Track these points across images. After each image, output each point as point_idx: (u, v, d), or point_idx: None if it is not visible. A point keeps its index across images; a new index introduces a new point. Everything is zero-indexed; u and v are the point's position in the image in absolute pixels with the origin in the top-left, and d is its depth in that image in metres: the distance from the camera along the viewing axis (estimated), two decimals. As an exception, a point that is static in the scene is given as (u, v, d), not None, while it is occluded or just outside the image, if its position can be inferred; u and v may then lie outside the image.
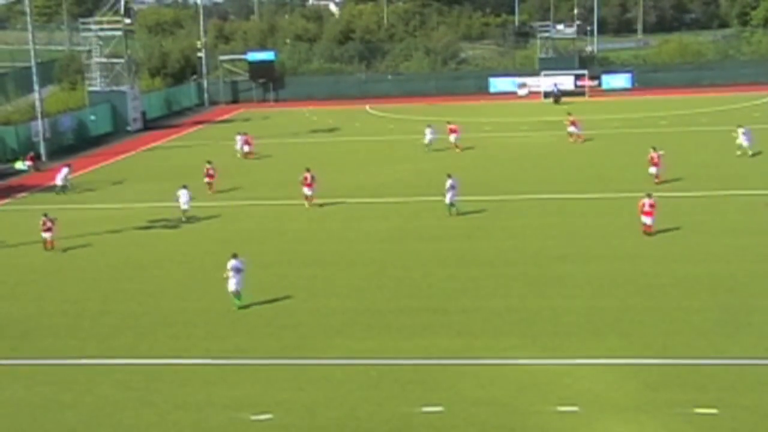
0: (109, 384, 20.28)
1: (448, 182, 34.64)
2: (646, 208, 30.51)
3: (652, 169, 38.53)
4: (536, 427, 17.37)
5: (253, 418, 18.23)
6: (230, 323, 23.93)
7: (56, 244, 32.65)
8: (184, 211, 36.18)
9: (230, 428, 17.89)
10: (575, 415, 17.75)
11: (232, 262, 24.93)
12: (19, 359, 22.19)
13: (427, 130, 50.37)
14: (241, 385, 19.94)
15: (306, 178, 37.44)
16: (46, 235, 32.50)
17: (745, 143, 44.32)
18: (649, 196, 31.02)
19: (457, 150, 49.56)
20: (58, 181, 43.30)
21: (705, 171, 41.01)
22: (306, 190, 37.42)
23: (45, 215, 32.88)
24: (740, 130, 44.80)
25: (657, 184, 37.19)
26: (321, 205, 37.40)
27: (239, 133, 52.97)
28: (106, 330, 23.89)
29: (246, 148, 51.77)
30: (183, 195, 36.13)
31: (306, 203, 37.48)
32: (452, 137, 50.29)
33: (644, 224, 30.59)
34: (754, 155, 43.99)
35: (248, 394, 19.44)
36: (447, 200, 34.55)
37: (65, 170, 44.04)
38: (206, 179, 41.23)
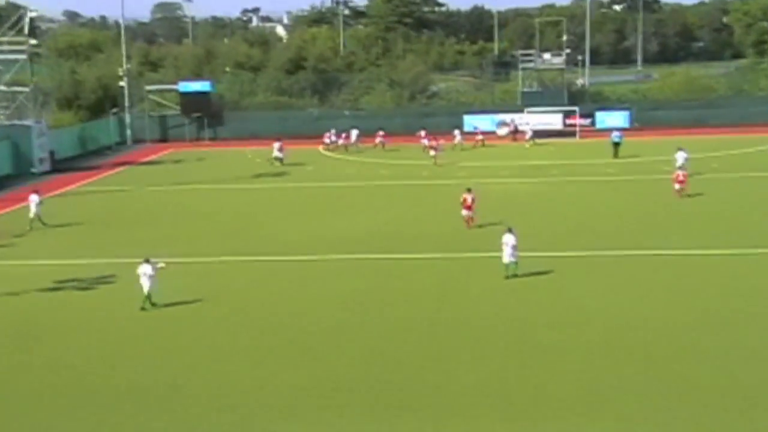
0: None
1: (509, 238, 34.28)
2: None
3: (465, 212, 43.15)
4: None
5: None
6: (158, 402, 23.93)
7: None
8: None
9: None
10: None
11: (143, 267, 31.72)
12: None
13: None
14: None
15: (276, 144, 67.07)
16: None
17: (680, 162, 51.84)
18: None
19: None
20: None
21: (716, 223, 41.92)
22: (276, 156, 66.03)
23: None
24: (679, 153, 52.66)
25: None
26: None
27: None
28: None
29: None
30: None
31: None
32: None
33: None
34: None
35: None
36: (505, 258, 34.27)
37: None
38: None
